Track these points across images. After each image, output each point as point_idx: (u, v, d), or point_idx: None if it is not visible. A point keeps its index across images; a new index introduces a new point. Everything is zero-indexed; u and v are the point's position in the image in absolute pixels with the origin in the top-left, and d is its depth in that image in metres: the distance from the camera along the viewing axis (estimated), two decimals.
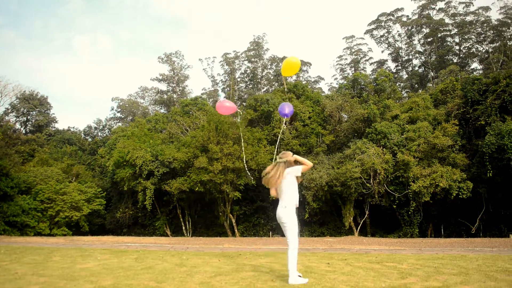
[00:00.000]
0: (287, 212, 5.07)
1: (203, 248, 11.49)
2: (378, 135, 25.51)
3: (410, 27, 51.68)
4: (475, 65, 48.93)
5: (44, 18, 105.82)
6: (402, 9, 52.29)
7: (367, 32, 54.11)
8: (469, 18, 48.08)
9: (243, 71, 56.13)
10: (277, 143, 9.60)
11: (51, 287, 4.85)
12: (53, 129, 51.72)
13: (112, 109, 55.64)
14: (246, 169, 24.85)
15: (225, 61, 55.82)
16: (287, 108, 7.04)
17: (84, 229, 28.39)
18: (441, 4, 50.26)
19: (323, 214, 27.18)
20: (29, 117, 51.63)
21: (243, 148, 24.19)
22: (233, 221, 27.76)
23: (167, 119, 38.64)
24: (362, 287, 4.64)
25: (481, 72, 44.33)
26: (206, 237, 25.78)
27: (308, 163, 5.26)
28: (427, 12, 50.90)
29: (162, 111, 52.33)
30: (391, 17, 52.56)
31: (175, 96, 54.57)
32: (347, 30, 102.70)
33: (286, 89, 32.19)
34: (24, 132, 50.21)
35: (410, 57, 53.23)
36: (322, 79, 55.75)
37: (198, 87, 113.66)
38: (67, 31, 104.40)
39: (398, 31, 53.12)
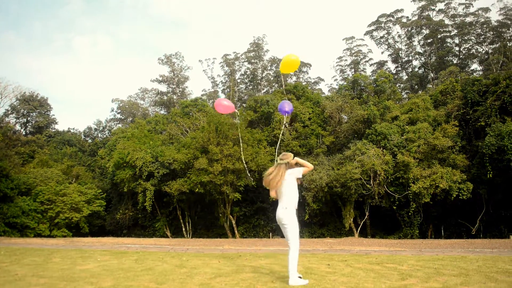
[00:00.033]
0: (287, 214, 5.07)
1: (203, 249, 11.49)
2: (378, 136, 25.51)
3: (410, 28, 51.75)
4: (475, 66, 49.06)
5: (44, 19, 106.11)
6: (402, 10, 52.48)
7: (367, 33, 54.25)
8: (469, 19, 48.18)
9: (243, 72, 56.23)
10: (278, 144, 9.59)
11: None
12: (53, 130, 51.80)
13: (112, 110, 55.76)
14: (246, 170, 24.86)
15: (225, 62, 55.90)
16: (287, 105, 7.03)
17: (84, 230, 28.37)
18: (441, 5, 50.41)
19: (323, 215, 27.17)
20: (29, 118, 51.70)
21: (241, 148, 24.20)
22: (233, 222, 27.74)
23: (167, 120, 38.66)
24: None
25: (481, 73, 44.40)
26: (206, 238, 25.77)
27: (309, 165, 5.27)
28: (427, 13, 50.98)
29: (162, 112, 52.38)
30: (391, 18, 52.65)
31: (175, 97, 54.62)
32: (347, 31, 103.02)
33: (284, 85, 32.23)
34: (24, 133, 50.26)
35: (410, 58, 53.32)
36: (322, 80, 55.88)
37: (198, 88, 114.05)
38: (67, 32, 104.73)
39: (398, 32, 53.27)
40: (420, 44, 51.64)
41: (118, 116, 54.40)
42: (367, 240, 22.22)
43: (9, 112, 49.29)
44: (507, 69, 35.59)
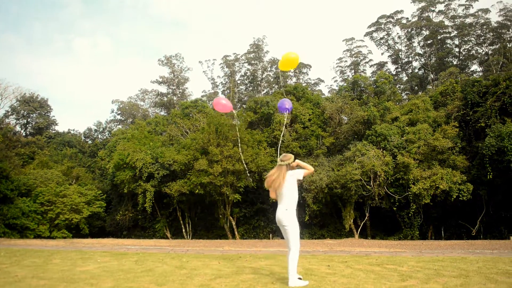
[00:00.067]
0: (288, 215, 5.07)
1: (203, 250, 11.48)
2: (378, 137, 25.52)
3: (410, 29, 51.79)
4: (475, 67, 49.10)
5: (44, 20, 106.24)
6: (401, 11, 52.52)
7: (367, 34, 54.27)
8: (468, 20, 48.23)
9: (243, 74, 56.29)
10: (279, 145, 9.61)
11: None
12: (53, 131, 51.81)
13: (112, 112, 55.85)
14: (246, 171, 24.86)
15: (225, 63, 55.97)
16: (287, 103, 7.04)
17: (84, 231, 28.36)
18: (440, 7, 50.47)
19: (323, 216, 27.15)
20: (29, 119, 51.72)
21: (240, 148, 24.19)
22: (233, 223, 27.72)
23: (167, 121, 38.68)
24: None
25: (481, 74, 44.44)
26: (206, 240, 25.75)
27: (310, 168, 5.29)
28: (426, 14, 51.03)
29: (162, 113, 52.42)
30: (391, 19, 52.70)
31: (175, 98, 54.66)
32: (347, 32, 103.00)
33: (282, 82, 32.22)
34: (24, 134, 50.28)
35: (410, 59, 53.35)
36: (322, 81, 55.96)
37: (198, 89, 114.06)
38: (67, 34, 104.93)
39: (398, 33, 53.31)
40: (420, 45, 51.70)
41: (118, 117, 54.45)
42: (367, 241, 22.20)
43: (9, 113, 49.36)
44: (507, 70, 35.64)
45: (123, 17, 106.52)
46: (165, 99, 54.83)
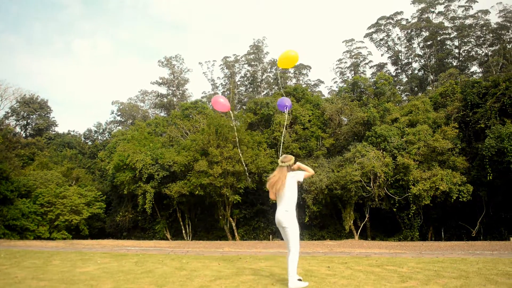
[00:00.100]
0: (288, 216, 5.07)
1: (203, 251, 11.47)
2: (378, 138, 25.52)
3: (409, 31, 51.85)
4: (474, 68, 49.17)
5: (44, 20, 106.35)
6: (401, 12, 52.60)
7: (366, 35, 54.33)
8: (468, 21, 48.31)
9: (243, 75, 56.35)
10: (280, 147, 9.63)
11: None
12: (53, 132, 51.80)
13: (112, 113, 55.82)
14: (246, 172, 24.85)
15: (225, 64, 56.02)
16: (286, 101, 7.05)
17: (84, 232, 28.34)
18: (440, 8, 50.56)
19: (323, 218, 27.13)
20: (29, 120, 51.72)
21: (239, 149, 24.18)
22: (233, 224, 27.70)
23: (167, 122, 38.67)
24: None
25: (480, 75, 44.48)
26: (206, 241, 25.73)
27: (310, 171, 5.32)
28: (426, 15, 51.11)
29: (162, 114, 52.44)
30: (391, 20, 52.77)
31: (175, 99, 54.70)
32: (347, 33, 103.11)
33: (280, 82, 32.20)
34: (24, 135, 50.30)
35: (410, 60, 53.42)
36: (322, 82, 56.03)
37: (198, 90, 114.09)
38: (67, 35, 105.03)
39: (397, 34, 53.38)
40: (420, 46, 51.77)
41: (118, 118, 54.48)
42: (367, 242, 22.18)
43: (9, 115, 49.37)
44: (506, 71, 35.69)
45: (123, 18, 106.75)
46: (165, 100, 54.86)
